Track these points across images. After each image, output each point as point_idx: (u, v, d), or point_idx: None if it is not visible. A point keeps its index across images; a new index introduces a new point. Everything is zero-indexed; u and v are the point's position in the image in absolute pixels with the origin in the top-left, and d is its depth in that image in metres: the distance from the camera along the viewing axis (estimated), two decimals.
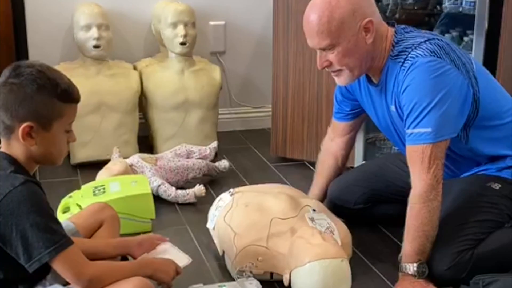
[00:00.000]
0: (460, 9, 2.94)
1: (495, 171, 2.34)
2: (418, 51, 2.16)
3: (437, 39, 2.22)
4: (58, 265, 1.75)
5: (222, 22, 3.81)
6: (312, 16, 2.17)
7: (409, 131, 2.17)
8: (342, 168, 2.70)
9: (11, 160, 1.78)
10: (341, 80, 2.28)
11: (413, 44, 2.19)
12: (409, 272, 2.17)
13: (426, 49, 2.15)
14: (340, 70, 2.24)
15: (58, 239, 1.73)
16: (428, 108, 2.12)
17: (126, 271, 1.89)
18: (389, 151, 3.23)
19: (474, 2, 2.85)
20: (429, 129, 2.12)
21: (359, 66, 2.23)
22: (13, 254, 1.73)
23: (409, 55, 2.17)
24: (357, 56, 2.20)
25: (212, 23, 3.79)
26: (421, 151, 2.13)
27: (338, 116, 2.61)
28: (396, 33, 2.24)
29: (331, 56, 2.19)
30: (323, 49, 2.20)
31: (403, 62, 2.18)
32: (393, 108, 2.27)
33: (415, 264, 2.16)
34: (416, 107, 2.13)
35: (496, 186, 2.30)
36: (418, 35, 2.23)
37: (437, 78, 2.12)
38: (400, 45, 2.22)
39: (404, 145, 2.26)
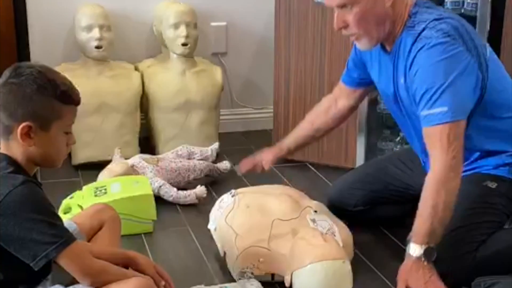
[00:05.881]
0: (462, 11, 2.93)
1: (492, 168, 2.32)
2: (432, 31, 2.14)
3: (453, 18, 2.20)
4: (65, 260, 1.75)
5: (224, 23, 3.81)
6: None
7: (424, 112, 2.14)
8: (328, 132, 2.71)
9: (10, 161, 1.78)
10: (361, 44, 2.28)
11: (428, 19, 2.18)
12: (415, 254, 2.10)
13: (440, 30, 2.14)
14: (357, 34, 2.23)
15: (63, 234, 1.74)
16: (442, 87, 2.10)
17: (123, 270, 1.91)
18: (390, 152, 3.23)
19: (476, 4, 2.85)
20: (445, 108, 2.09)
21: (376, 30, 2.22)
22: (18, 254, 1.73)
23: (423, 33, 2.16)
24: (374, 19, 2.19)
25: (213, 24, 3.78)
26: (439, 132, 2.10)
27: (346, 80, 2.61)
28: (415, 5, 2.24)
29: (349, 16, 2.18)
30: (341, 7, 2.19)
31: (416, 39, 2.17)
32: (402, 80, 2.26)
33: (423, 246, 2.09)
34: (431, 87, 2.11)
35: (493, 184, 2.29)
36: (435, 12, 2.22)
37: (450, 59, 2.11)
38: (416, 17, 2.21)
39: (404, 116, 2.27)
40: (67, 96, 1.81)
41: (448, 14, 2.23)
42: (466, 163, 2.32)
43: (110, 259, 1.92)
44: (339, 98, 2.64)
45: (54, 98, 1.77)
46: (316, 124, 2.66)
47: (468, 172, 2.33)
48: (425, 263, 2.09)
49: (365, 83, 2.56)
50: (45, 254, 1.71)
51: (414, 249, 2.10)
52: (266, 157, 2.65)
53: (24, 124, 1.75)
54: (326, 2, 2.23)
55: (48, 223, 1.72)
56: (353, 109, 2.66)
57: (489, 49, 2.29)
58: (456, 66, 2.11)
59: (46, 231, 1.71)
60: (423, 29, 2.16)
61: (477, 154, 2.34)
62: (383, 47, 2.34)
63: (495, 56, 2.34)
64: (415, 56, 2.16)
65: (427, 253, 2.09)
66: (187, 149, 3.24)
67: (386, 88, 2.39)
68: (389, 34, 2.25)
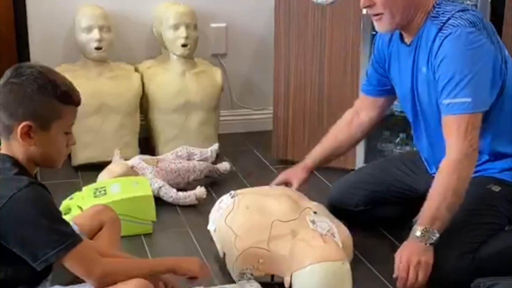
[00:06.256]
0: None
1: (497, 172, 2.33)
2: (458, 21, 2.16)
3: (476, 11, 2.24)
4: (68, 263, 1.76)
5: (224, 24, 3.81)
6: None
7: (446, 101, 2.16)
8: (354, 145, 2.71)
9: (14, 162, 1.79)
10: (381, 25, 2.28)
11: (454, 10, 2.20)
12: (415, 234, 2.12)
13: (466, 20, 2.16)
14: (381, 14, 2.24)
15: (66, 239, 1.74)
16: (467, 78, 2.12)
17: (142, 267, 1.91)
18: (390, 154, 3.23)
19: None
20: (469, 99, 2.12)
21: (401, 13, 2.23)
22: (20, 254, 1.73)
23: (449, 21, 2.18)
24: (402, 2, 2.21)
25: (213, 25, 3.78)
26: (458, 121, 2.13)
27: (366, 89, 2.61)
28: None
29: None
30: None
31: (442, 28, 2.19)
32: (424, 69, 2.27)
33: (422, 227, 2.10)
34: (456, 76, 2.13)
35: (496, 188, 2.30)
36: (459, 5, 2.26)
37: (476, 50, 2.14)
38: (440, 7, 2.23)
39: (417, 114, 2.30)
40: (68, 97, 1.81)
41: (471, 8, 2.26)
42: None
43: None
44: (360, 110, 2.63)
45: (54, 98, 1.78)
46: (339, 137, 2.65)
47: (473, 175, 2.33)
48: (422, 243, 2.10)
49: (386, 91, 2.56)
50: (45, 259, 1.72)
51: (416, 230, 2.12)
52: (297, 176, 2.62)
53: (24, 123, 1.76)
54: None
55: (51, 228, 1.72)
56: (375, 120, 2.64)
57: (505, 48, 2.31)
58: (482, 57, 2.14)
59: (47, 235, 1.71)
60: (449, 19, 2.18)
61: (486, 157, 2.35)
62: (402, 40, 2.35)
63: (509, 55, 2.35)
64: (441, 44, 2.18)
65: (425, 234, 2.10)
66: (186, 150, 3.24)
67: (404, 84, 2.39)
68: (410, 22, 2.26)
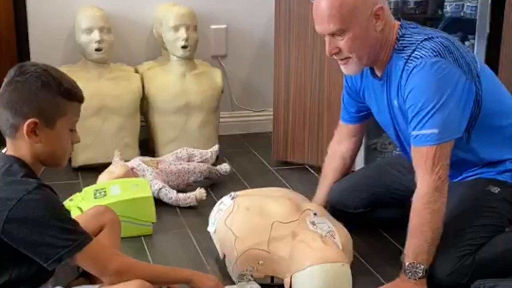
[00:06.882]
0: (462, 14, 2.94)
1: (495, 173, 2.33)
2: (422, 52, 2.15)
3: (442, 37, 2.20)
4: (80, 262, 1.79)
5: (224, 26, 3.81)
6: (324, 1, 2.15)
7: (414, 132, 2.16)
8: (349, 170, 2.70)
9: (21, 163, 1.79)
10: (348, 69, 2.27)
11: (417, 41, 2.18)
12: (403, 272, 2.16)
13: (430, 49, 2.14)
14: (348, 58, 2.22)
15: (77, 238, 1.76)
16: (434, 109, 2.11)
17: (155, 270, 1.93)
18: (390, 155, 3.23)
19: (476, 7, 2.85)
20: (436, 130, 2.11)
21: (367, 54, 2.22)
22: (31, 255, 1.74)
23: (413, 54, 2.16)
24: (366, 43, 2.19)
25: (213, 26, 3.79)
26: (425, 152, 2.13)
27: (345, 118, 2.61)
28: (401, 27, 2.24)
29: (341, 42, 2.18)
30: (333, 35, 2.18)
31: (407, 60, 2.17)
32: (395, 102, 2.27)
33: (406, 263, 2.15)
34: (423, 108, 2.13)
35: (496, 189, 2.30)
36: (423, 32, 2.22)
37: (442, 80, 2.12)
38: (404, 39, 2.21)
39: (402, 141, 2.28)
40: (71, 93, 1.83)
41: (436, 33, 2.23)
42: (469, 171, 2.35)
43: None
44: (341, 140, 2.64)
45: (58, 94, 1.79)
46: (333, 172, 2.67)
47: (472, 177, 2.34)
48: (411, 280, 2.15)
49: (364, 116, 2.56)
50: (57, 258, 1.73)
51: (403, 267, 2.17)
52: None
53: (30, 120, 1.76)
54: (318, 30, 2.22)
55: (61, 228, 1.73)
56: (358, 143, 2.66)
57: (479, 60, 2.30)
58: (448, 86, 2.12)
59: (58, 236, 1.73)
60: (413, 51, 2.17)
61: (481, 164, 2.35)
62: (373, 73, 2.34)
63: (485, 65, 2.35)
64: (408, 77, 2.16)
65: (411, 270, 2.14)
66: (186, 152, 3.24)
67: (382, 114, 2.40)
68: (377, 59, 2.25)
